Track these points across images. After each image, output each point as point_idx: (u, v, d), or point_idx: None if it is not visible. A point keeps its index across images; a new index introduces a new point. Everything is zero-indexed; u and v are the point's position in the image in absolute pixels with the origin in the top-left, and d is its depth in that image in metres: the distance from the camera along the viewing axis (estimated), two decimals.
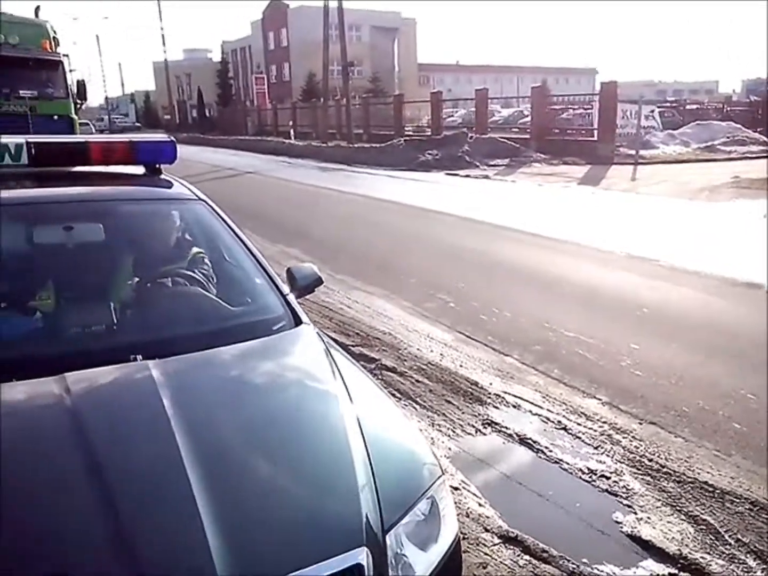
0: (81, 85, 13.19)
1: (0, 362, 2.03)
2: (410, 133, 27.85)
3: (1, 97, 11.63)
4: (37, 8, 15.53)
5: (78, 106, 13.34)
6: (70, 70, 13.13)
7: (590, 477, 3.28)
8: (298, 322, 2.50)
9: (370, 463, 1.78)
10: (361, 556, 1.53)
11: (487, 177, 17.51)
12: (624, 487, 3.19)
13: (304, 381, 2.22)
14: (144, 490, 1.53)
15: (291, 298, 2.63)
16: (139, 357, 2.04)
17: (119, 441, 1.68)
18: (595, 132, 20.63)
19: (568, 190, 14.60)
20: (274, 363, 2.33)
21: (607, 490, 3.17)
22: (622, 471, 3.32)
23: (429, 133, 26.17)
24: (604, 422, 3.81)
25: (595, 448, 3.55)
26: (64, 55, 13.10)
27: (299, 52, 51.35)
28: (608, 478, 3.26)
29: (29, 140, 2.64)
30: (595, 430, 3.73)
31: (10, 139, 2.62)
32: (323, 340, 2.44)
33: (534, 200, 13.34)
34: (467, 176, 17.71)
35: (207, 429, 1.79)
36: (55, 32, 13.39)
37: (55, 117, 12.04)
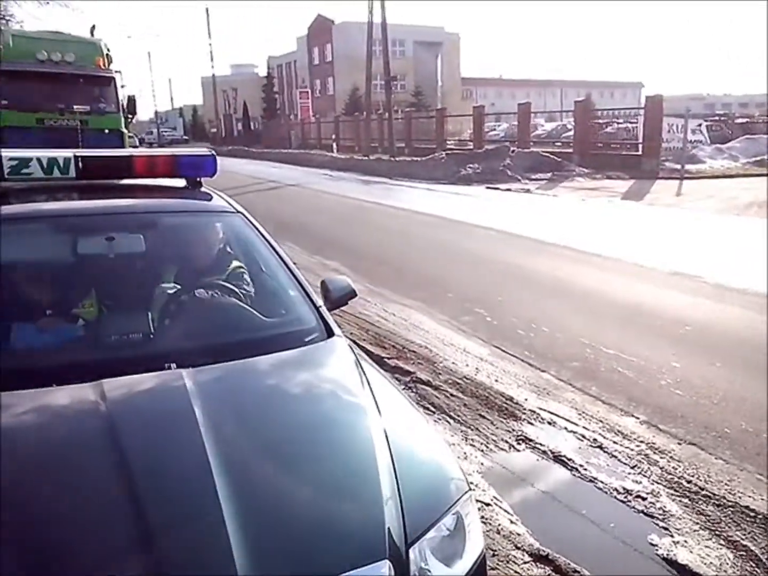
0: (131, 100, 13.63)
1: (42, 368, 2.12)
2: (452, 146, 27.89)
3: (56, 111, 12.09)
4: (93, 27, 16.14)
5: (128, 120, 13.78)
6: (122, 86, 13.57)
7: (626, 497, 3.21)
8: (330, 334, 2.53)
9: (396, 477, 1.78)
10: (384, 569, 1.53)
11: (528, 191, 17.39)
12: (661, 508, 3.12)
13: (334, 392, 2.24)
14: (171, 496, 1.57)
15: (324, 310, 2.66)
16: (174, 365, 2.09)
17: (150, 447, 1.72)
18: (640, 146, 20.33)
19: (610, 204, 14.39)
20: (305, 374, 2.35)
21: (643, 511, 3.10)
22: (659, 492, 3.24)
23: (471, 147, 26.15)
24: (642, 441, 3.74)
25: (632, 467, 3.48)
26: (116, 72, 13.56)
27: (343, 66, 52.02)
28: (644, 499, 3.19)
29: (77, 154, 2.75)
30: (632, 450, 3.65)
31: (60, 153, 2.73)
32: (354, 353, 2.46)
33: (575, 215, 13.19)
34: (508, 190, 17.62)
35: (236, 437, 1.82)
36: (108, 50, 13.89)
37: (106, 131, 12.47)
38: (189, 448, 1.70)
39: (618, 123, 22.96)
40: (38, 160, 2.66)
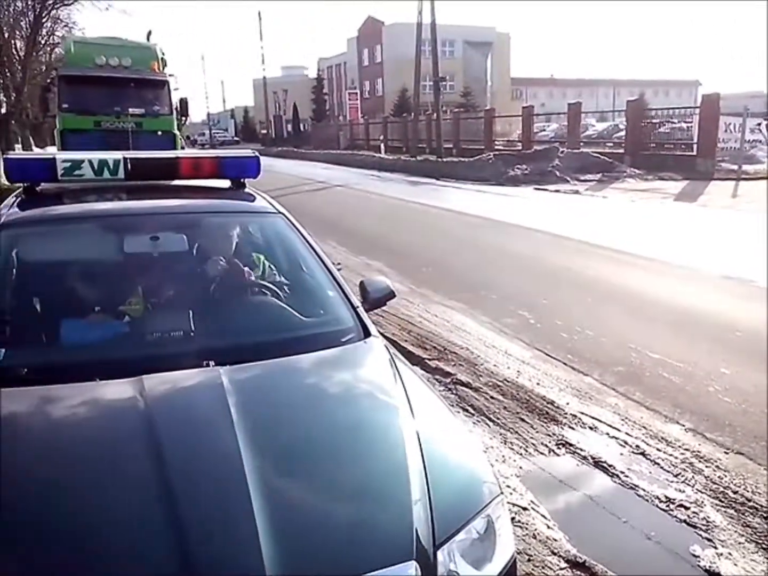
0: (183, 103, 13.98)
1: (87, 363, 2.20)
2: (500, 147, 27.63)
3: (112, 114, 12.49)
4: (149, 32, 16.64)
5: (181, 122, 14.13)
6: (175, 89, 13.93)
7: (668, 506, 3.14)
8: (367, 334, 2.55)
9: (427, 478, 1.78)
10: (410, 570, 1.54)
11: (577, 192, 17.11)
12: (704, 518, 3.03)
13: (368, 393, 2.26)
14: (204, 491, 1.61)
15: (361, 310, 2.68)
16: (212, 363, 2.14)
17: (185, 443, 1.77)
18: (695, 146, 19.74)
19: (662, 206, 14.05)
20: (340, 374, 2.38)
21: (685, 521, 3.03)
22: (703, 502, 3.16)
23: (519, 148, 25.87)
24: (687, 449, 3.64)
25: (675, 475, 3.40)
26: (169, 75, 13.93)
27: (392, 67, 52.10)
28: (687, 509, 3.11)
29: (126, 156, 2.85)
30: (676, 457, 3.57)
31: (110, 155, 2.84)
32: (390, 353, 2.48)
33: (625, 217, 12.91)
34: (557, 191, 17.37)
35: (268, 435, 1.85)
36: (163, 54, 14.28)
37: (159, 133, 12.80)
38: (222, 445, 1.74)
39: (672, 123, 22.35)
40: (89, 162, 2.77)
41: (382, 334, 2.73)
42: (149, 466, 1.66)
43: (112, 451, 1.79)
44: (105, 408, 2.01)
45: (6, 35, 21.27)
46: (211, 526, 1.50)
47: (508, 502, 3.05)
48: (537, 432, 3.89)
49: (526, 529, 2.95)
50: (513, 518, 2.97)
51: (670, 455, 3.59)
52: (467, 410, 4.20)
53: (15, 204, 2.79)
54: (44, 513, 1.57)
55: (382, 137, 37.74)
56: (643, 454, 3.62)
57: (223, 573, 1.42)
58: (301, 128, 60.22)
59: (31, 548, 1.48)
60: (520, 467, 3.52)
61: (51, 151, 18.59)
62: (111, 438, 1.85)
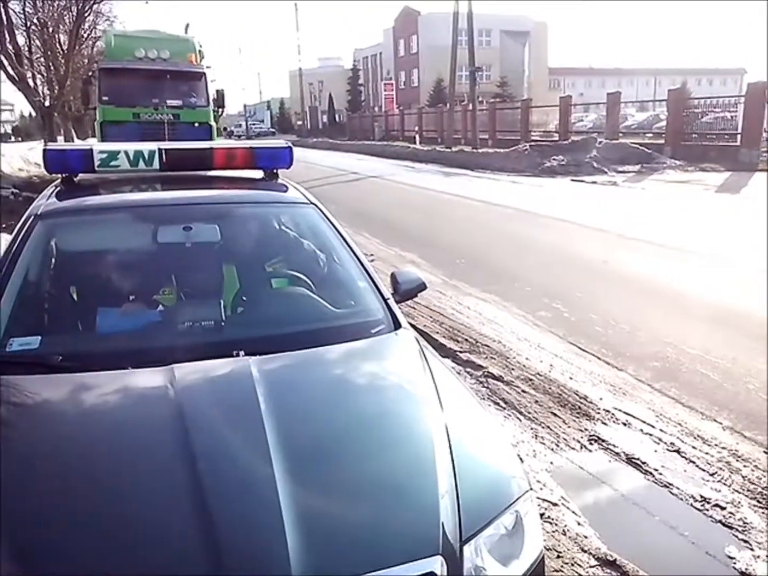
0: (220, 95, 14.10)
1: (120, 351, 2.24)
2: (537, 138, 27.28)
3: (150, 106, 12.67)
4: (187, 25, 16.83)
5: (218, 113, 14.27)
6: (212, 81, 14.06)
7: (703, 505, 3.07)
8: (397, 326, 2.53)
9: (454, 472, 1.76)
10: (436, 564, 1.52)
11: (615, 184, 16.79)
12: (741, 519, 2.96)
13: (396, 385, 2.25)
14: (230, 482, 1.61)
15: (392, 302, 2.66)
16: (242, 353, 2.15)
17: (213, 432, 1.78)
18: (739, 137, 19.19)
19: (703, 198, 13.71)
20: (369, 365, 2.37)
21: (721, 522, 2.96)
22: (739, 502, 3.08)
23: (556, 139, 25.50)
24: (724, 448, 3.56)
25: (711, 474, 3.32)
26: (206, 67, 14.07)
27: (428, 57, 51.76)
28: (723, 509, 3.04)
29: (161, 146, 2.89)
30: (713, 456, 3.48)
31: (145, 146, 2.88)
32: (420, 345, 2.46)
33: (663, 209, 12.62)
34: (594, 183, 17.07)
35: (296, 426, 1.86)
36: (200, 46, 14.43)
37: (196, 124, 12.94)
38: (251, 435, 1.75)
39: (716, 112, 21.75)
40: (125, 153, 2.82)
41: (413, 325, 2.72)
42: (178, 454, 1.67)
43: (141, 438, 1.81)
44: (136, 396, 2.04)
45: (51, 30, 21.74)
46: (239, 517, 1.51)
47: (538, 498, 3.03)
48: (569, 427, 3.84)
49: (556, 525, 2.92)
50: (543, 514, 2.95)
51: (707, 454, 3.51)
52: (498, 404, 4.16)
53: (53, 194, 2.85)
54: (74, 498, 1.60)
55: (417, 128, 37.63)
56: (678, 451, 3.54)
57: (250, 565, 1.42)
58: (336, 119, 60.37)
59: (61, 534, 1.51)
60: (551, 462, 3.48)
61: (91, 142, 18.97)
62: (141, 426, 1.87)
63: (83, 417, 1.95)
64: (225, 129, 26.56)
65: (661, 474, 3.32)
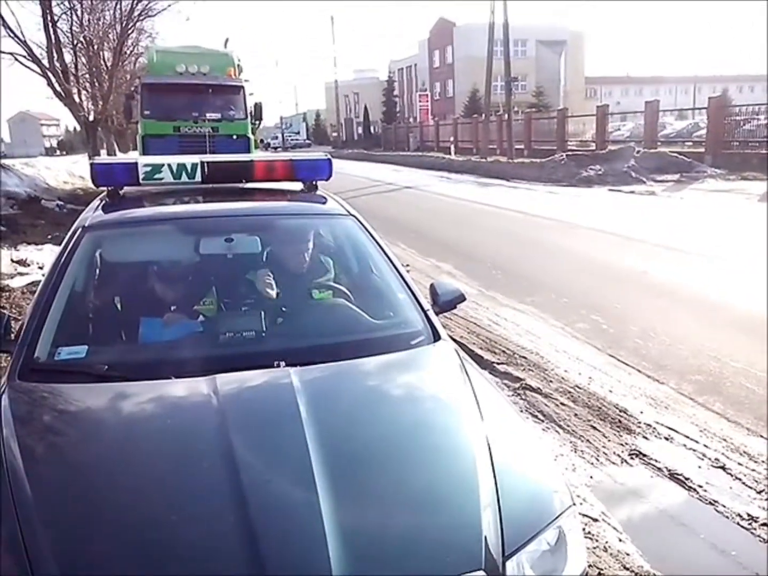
0: (258, 107, 14.31)
1: (163, 361, 2.29)
2: (573, 148, 27.01)
3: (190, 120, 12.93)
4: (227, 40, 17.17)
5: (255, 126, 14.48)
6: (250, 94, 14.28)
7: (750, 524, 2.98)
8: (437, 337, 2.52)
9: (496, 485, 1.74)
10: None
11: (653, 194, 16.52)
12: None
13: (437, 397, 2.25)
14: (274, 492, 1.63)
15: (431, 313, 2.66)
16: (283, 363, 2.17)
17: (255, 442, 1.80)
18: None
19: (744, 208, 13.38)
20: (409, 377, 2.37)
21: None
22: None
23: (593, 148, 25.21)
24: None
25: (758, 492, 3.23)
26: (245, 81, 14.31)
27: (463, 68, 51.75)
28: None
29: (203, 159, 2.95)
30: (760, 473, 3.39)
31: (188, 159, 2.95)
32: (460, 357, 2.45)
33: (704, 218, 12.36)
34: (631, 192, 16.82)
35: (338, 437, 1.86)
36: (239, 60, 14.69)
37: (235, 137, 13.16)
38: (292, 445, 1.76)
39: (758, 119, 21.26)
40: (169, 166, 2.88)
41: (449, 336, 2.70)
42: (221, 464, 1.69)
43: (186, 447, 1.84)
44: (180, 405, 2.07)
45: (96, 47, 22.38)
46: (281, 529, 1.52)
47: (578, 513, 2.98)
48: (609, 441, 3.78)
49: (597, 541, 2.86)
50: (583, 529, 2.88)
51: (753, 470, 3.41)
52: (536, 416, 4.12)
53: (99, 207, 2.93)
54: (118, 507, 1.63)
55: (452, 138, 37.58)
56: (723, 468, 3.46)
57: (291, 573, 1.43)
58: (372, 130, 60.69)
59: (104, 544, 1.53)
60: (591, 477, 3.42)
61: (132, 155, 19.43)
62: (185, 435, 1.90)
63: (129, 425, 1.99)
64: (262, 141, 26.96)
65: (705, 491, 3.24)
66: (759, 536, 2.90)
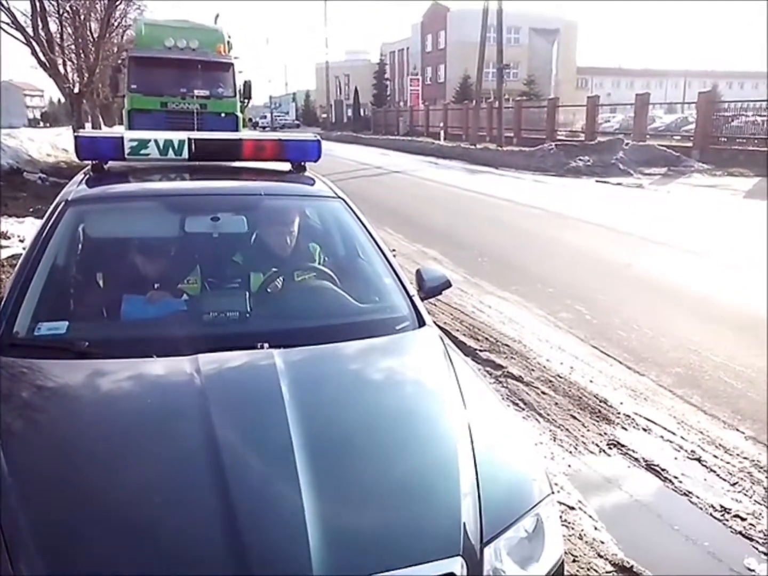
0: (247, 86, 14.14)
1: (145, 339, 2.26)
2: (562, 137, 27.05)
3: (178, 96, 12.75)
4: (217, 16, 16.92)
5: (244, 104, 14.32)
6: (239, 72, 14.10)
7: (723, 515, 3.03)
8: (421, 323, 2.52)
9: (476, 472, 1.75)
10: (456, 565, 1.52)
11: (640, 186, 16.60)
12: (762, 531, 2.91)
13: (419, 382, 2.24)
14: (255, 475, 1.62)
15: (416, 299, 2.65)
16: (266, 345, 2.15)
17: (237, 423, 1.79)
18: None
19: (729, 203, 13.49)
20: (392, 362, 2.37)
21: (741, 533, 2.91)
22: (761, 514, 3.04)
23: (582, 139, 25.26)
24: (746, 458, 3.51)
25: (732, 484, 3.28)
26: (234, 58, 14.12)
27: (455, 54, 51.51)
28: (744, 520, 2.99)
29: (191, 136, 2.90)
30: (734, 466, 3.44)
31: (175, 135, 2.90)
32: (444, 344, 2.45)
33: (690, 213, 12.45)
34: (619, 184, 16.89)
35: (319, 420, 1.85)
36: (229, 37, 14.48)
37: (223, 114, 13.01)
38: (273, 426, 1.76)
39: (746, 116, 21.39)
40: (155, 141, 2.84)
41: (434, 323, 2.70)
42: (203, 444, 1.68)
43: (167, 426, 1.83)
44: (162, 384, 2.05)
45: (82, 18, 21.97)
46: (260, 512, 1.51)
47: (556, 501, 3.00)
48: (588, 430, 3.81)
49: (573, 529, 2.90)
50: (560, 517, 2.92)
51: (728, 463, 3.46)
52: (517, 404, 4.14)
53: (83, 181, 2.88)
54: (96, 487, 1.61)
55: (442, 124, 37.46)
56: (698, 460, 3.50)
57: (271, 562, 1.42)
58: (362, 113, 60.31)
59: (86, 518, 1.53)
60: (569, 465, 3.45)
61: (118, 129, 19.16)
62: (166, 414, 1.89)
63: (109, 404, 1.97)
64: (250, 120, 26.68)
65: (680, 482, 3.28)
66: (731, 527, 2.95)
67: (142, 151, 2.83)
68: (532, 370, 4.69)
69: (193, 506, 1.55)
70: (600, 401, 4.18)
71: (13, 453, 1.67)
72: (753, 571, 2.67)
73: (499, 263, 8.04)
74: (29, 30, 18.19)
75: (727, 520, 3.00)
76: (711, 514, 3.04)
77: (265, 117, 70.82)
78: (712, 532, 2.93)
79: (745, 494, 3.19)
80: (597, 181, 17.70)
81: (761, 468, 3.41)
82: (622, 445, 3.64)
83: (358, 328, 2.43)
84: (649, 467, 3.43)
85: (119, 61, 16.08)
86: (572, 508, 3.04)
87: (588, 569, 2.65)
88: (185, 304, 2.51)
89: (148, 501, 1.57)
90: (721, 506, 3.09)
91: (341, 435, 1.85)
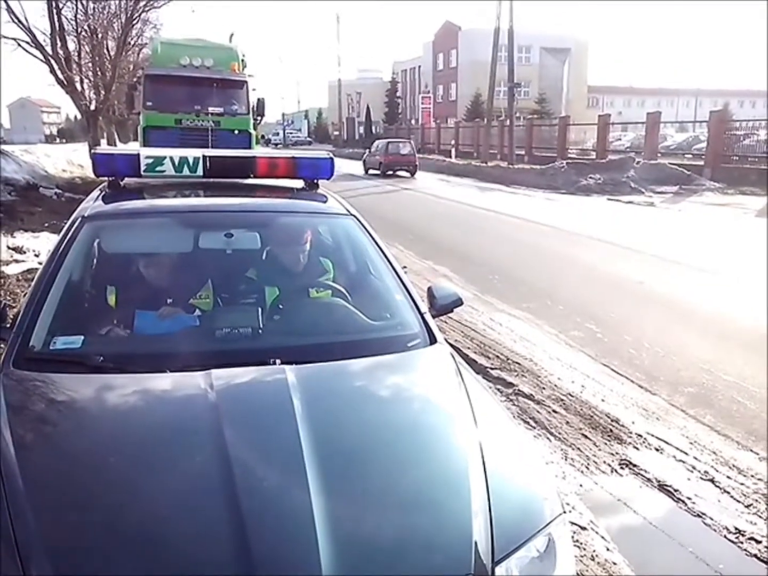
0: (260, 103, 14.30)
1: (159, 354, 2.28)
2: (573, 156, 27.10)
3: (192, 113, 12.90)
4: (231, 35, 17.14)
5: (257, 121, 14.47)
6: (253, 89, 14.27)
7: (737, 537, 2.99)
8: (433, 340, 2.52)
9: (488, 491, 1.74)
10: None
11: (651, 204, 16.59)
12: None
13: (431, 400, 2.24)
14: (266, 488, 1.62)
15: (428, 316, 2.65)
16: (278, 361, 2.16)
17: (249, 438, 1.80)
18: None
19: (741, 222, 13.44)
20: (404, 379, 2.37)
21: (756, 555, 2.87)
22: None
23: (593, 157, 25.30)
24: (760, 479, 3.47)
25: (746, 506, 3.24)
26: (248, 76, 14.28)
27: (467, 72, 51.87)
28: (759, 542, 2.95)
29: (205, 154, 2.94)
30: (748, 487, 3.40)
31: (190, 153, 2.94)
32: (455, 361, 2.45)
33: (701, 231, 12.41)
34: (630, 203, 16.89)
35: (331, 436, 1.85)
36: (243, 55, 14.67)
37: (236, 132, 13.14)
38: (285, 440, 1.76)
39: (758, 135, 21.35)
40: (171, 159, 2.87)
41: (445, 340, 2.70)
42: (214, 458, 1.69)
43: (179, 440, 1.84)
44: (175, 399, 2.07)
45: (100, 36, 22.35)
46: (272, 525, 1.51)
47: (567, 521, 2.98)
48: (599, 450, 3.79)
49: (584, 549, 2.87)
50: (571, 537, 2.90)
51: (742, 484, 3.43)
52: (528, 423, 4.12)
53: (99, 197, 2.92)
54: (109, 499, 1.62)
55: (453, 142, 37.62)
56: (712, 480, 3.47)
57: (281, 571, 1.42)
58: (373, 130, 60.65)
59: (98, 530, 1.53)
60: (581, 485, 3.43)
61: (132, 146, 19.37)
62: (179, 428, 1.90)
63: (122, 417, 1.98)
64: (263, 137, 26.99)
65: (693, 503, 3.25)
66: (745, 550, 2.91)
67: (158, 168, 2.87)
68: (543, 388, 4.67)
69: (203, 516, 1.56)
70: (612, 420, 4.15)
71: (27, 463, 1.69)
72: None
73: (511, 281, 8.03)
74: (48, 48, 18.50)
75: (741, 543, 2.96)
76: (725, 536, 3.01)
77: (277, 134, 71.42)
78: (726, 555, 2.89)
79: (760, 516, 3.15)
80: (608, 199, 17.71)
81: None
82: (634, 465, 3.61)
83: (370, 345, 2.43)
84: (662, 487, 3.39)
85: (135, 79, 16.33)
86: (584, 528, 3.02)
87: None
88: (198, 320, 2.52)
89: (158, 511, 1.58)
90: (736, 528, 3.05)
91: (352, 450, 1.86)
